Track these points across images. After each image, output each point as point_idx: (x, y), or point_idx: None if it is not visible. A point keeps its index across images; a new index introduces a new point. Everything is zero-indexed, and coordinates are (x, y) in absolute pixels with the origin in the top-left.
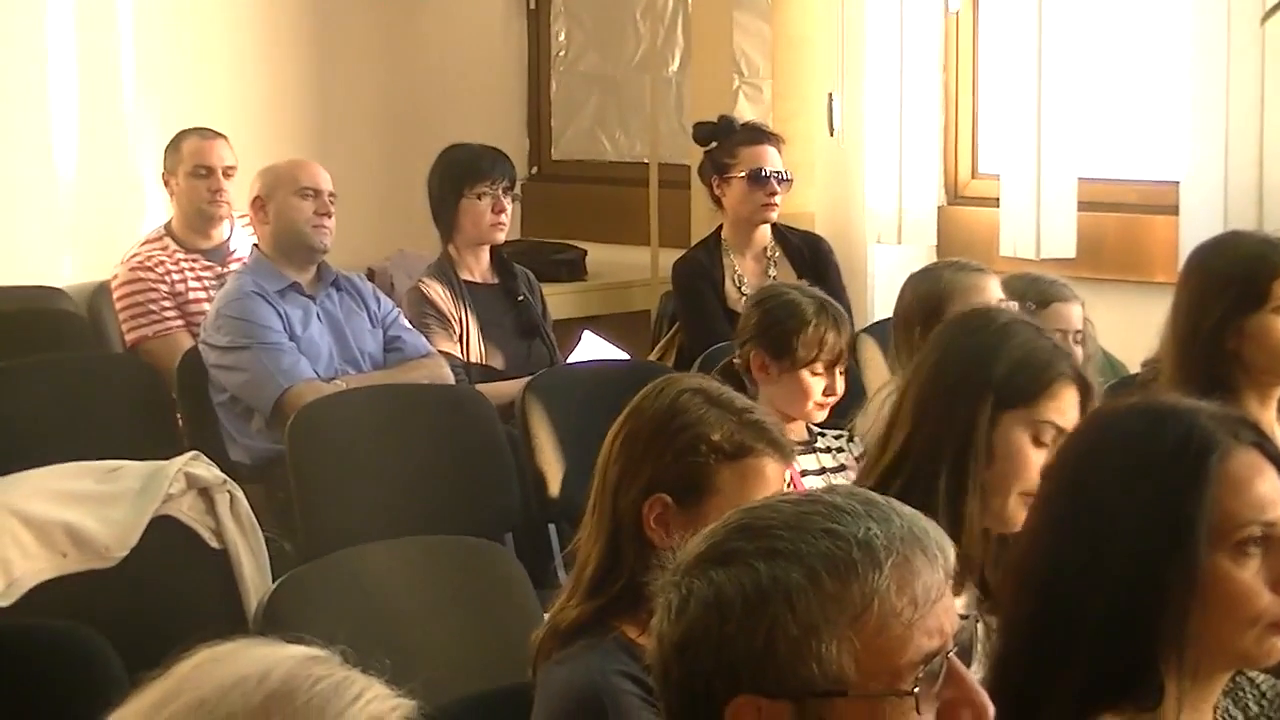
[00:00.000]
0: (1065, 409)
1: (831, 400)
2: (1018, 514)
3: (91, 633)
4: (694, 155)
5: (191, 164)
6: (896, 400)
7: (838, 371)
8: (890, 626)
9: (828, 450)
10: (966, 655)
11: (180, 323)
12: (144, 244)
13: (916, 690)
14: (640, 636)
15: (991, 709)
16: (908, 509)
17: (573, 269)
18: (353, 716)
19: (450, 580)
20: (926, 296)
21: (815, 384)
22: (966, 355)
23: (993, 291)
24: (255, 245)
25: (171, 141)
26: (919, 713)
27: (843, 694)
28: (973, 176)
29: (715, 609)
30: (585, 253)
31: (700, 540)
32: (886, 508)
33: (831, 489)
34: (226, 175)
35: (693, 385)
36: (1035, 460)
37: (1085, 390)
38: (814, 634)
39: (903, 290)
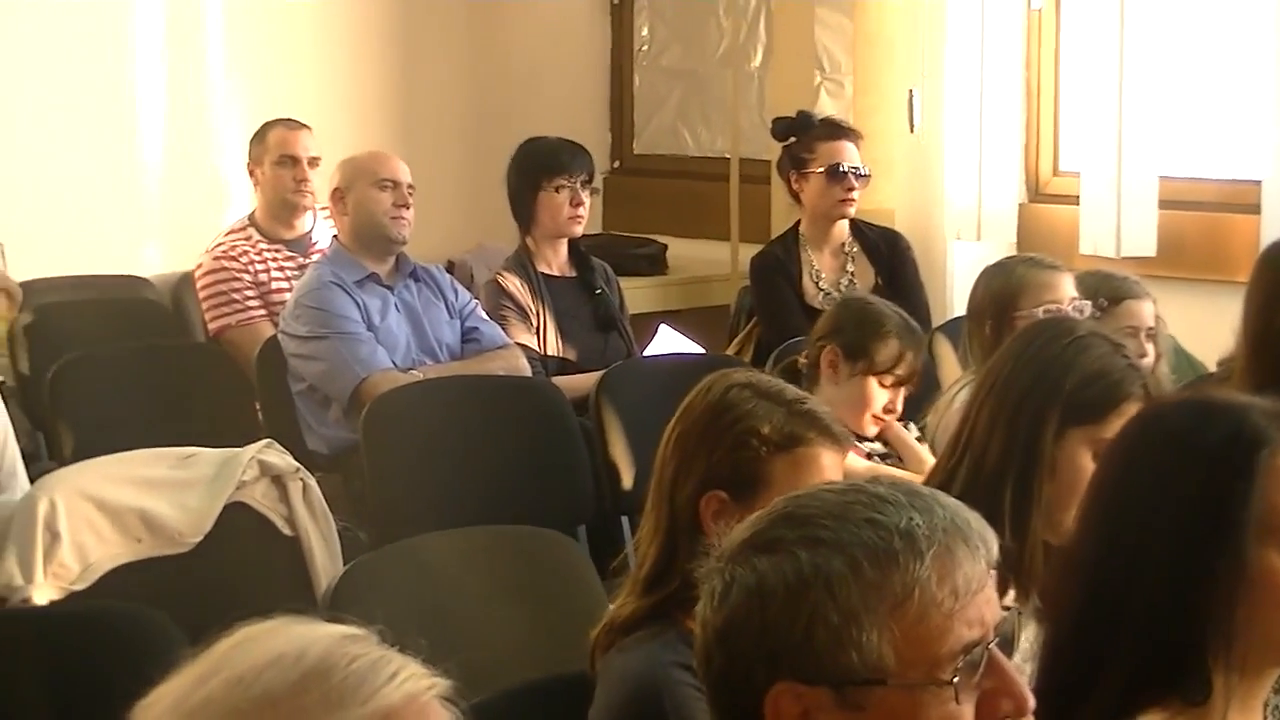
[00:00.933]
0: None
1: (888, 418)
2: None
3: (158, 615)
4: (774, 150)
5: (277, 154)
6: (968, 404)
7: (902, 391)
8: (931, 616)
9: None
10: (1008, 647)
11: (263, 312)
12: (228, 234)
13: (956, 680)
14: None
15: (1032, 701)
16: (951, 500)
17: (653, 263)
18: (388, 694)
19: (517, 570)
20: (999, 291)
21: (878, 396)
22: (1038, 367)
23: (1066, 289)
24: (334, 236)
25: (257, 132)
26: (958, 702)
27: (882, 682)
28: (1054, 174)
29: (757, 596)
30: (666, 247)
31: (744, 528)
32: (929, 498)
33: (875, 479)
34: (311, 165)
35: (741, 380)
36: None
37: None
38: (854, 622)
39: (976, 284)
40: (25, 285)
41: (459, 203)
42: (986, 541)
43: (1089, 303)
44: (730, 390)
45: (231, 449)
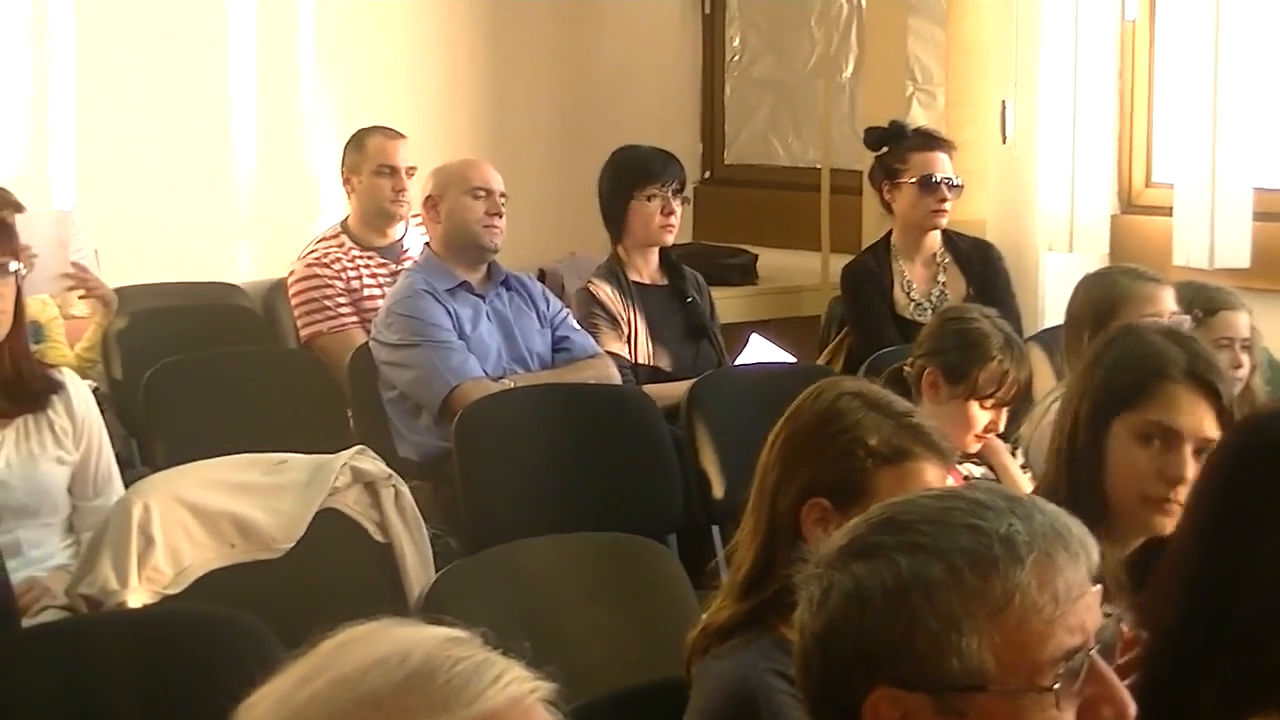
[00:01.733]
0: (1172, 408)
1: (990, 435)
2: (1150, 520)
3: (256, 620)
4: (866, 161)
5: (376, 163)
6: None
7: (1005, 411)
8: (1031, 622)
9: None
10: (1109, 654)
11: (355, 319)
12: (320, 241)
13: (1057, 687)
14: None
15: (1133, 708)
16: (1051, 506)
17: (744, 273)
18: (491, 697)
19: (610, 577)
20: (1099, 301)
21: (980, 418)
22: (1082, 372)
23: (1167, 302)
24: (426, 244)
25: (353, 139)
26: (1059, 709)
27: (982, 688)
28: (1146, 185)
29: (856, 601)
30: (756, 257)
31: (843, 534)
32: (1029, 504)
33: (973, 486)
34: (408, 175)
35: (851, 388)
36: (1149, 463)
37: (1206, 389)
38: (954, 627)
39: (1075, 292)
40: (118, 291)
41: (549, 211)
42: (1087, 548)
43: (1188, 316)
44: (840, 398)
45: (324, 455)
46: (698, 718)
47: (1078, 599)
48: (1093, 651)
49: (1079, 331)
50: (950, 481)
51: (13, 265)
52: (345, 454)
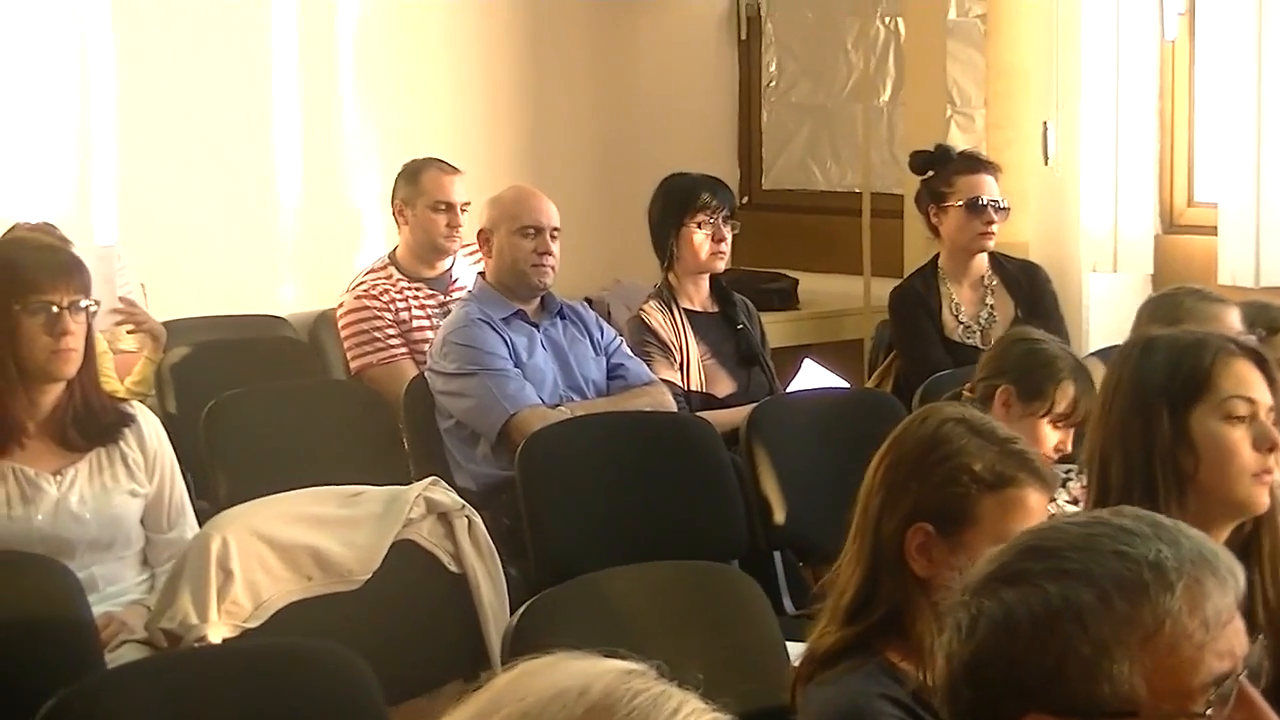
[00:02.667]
0: (1241, 379)
1: (1056, 456)
2: (1255, 494)
3: (351, 653)
4: (907, 184)
5: (432, 198)
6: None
7: (1072, 432)
8: (1181, 648)
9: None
10: (1256, 678)
11: (404, 350)
12: (369, 273)
13: (1208, 712)
14: (903, 661)
15: None
16: (1196, 532)
17: (784, 298)
18: None
19: (694, 604)
20: (1164, 322)
21: (1050, 437)
22: (1124, 384)
23: (1232, 322)
24: (480, 274)
25: (407, 171)
26: None
27: (1134, 714)
28: (1188, 204)
29: (1005, 628)
30: (797, 282)
31: (988, 562)
32: (1174, 530)
33: (1118, 511)
34: (462, 210)
35: (955, 415)
36: (1240, 437)
37: (1255, 357)
38: (1106, 654)
39: (1140, 313)
40: (165, 325)
41: (590, 240)
42: (1234, 573)
43: (1253, 337)
44: (944, 425)
45: (398, 487)
46: None
47: (1226, 624)
48: (1241, 677)
49: None
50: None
51: (83, 302)
52: (419, 485)
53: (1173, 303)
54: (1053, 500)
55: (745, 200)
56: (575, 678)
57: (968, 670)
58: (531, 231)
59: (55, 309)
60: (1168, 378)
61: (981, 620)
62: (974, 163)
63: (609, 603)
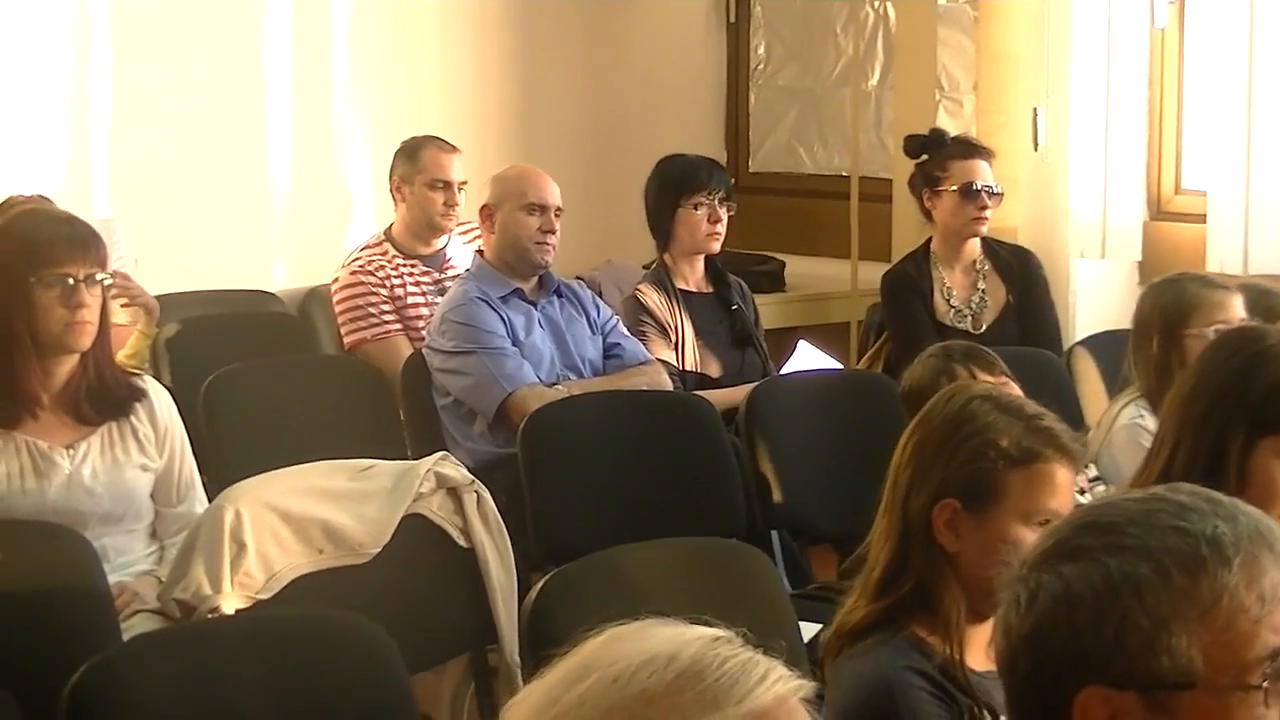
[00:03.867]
0: None
1: None
2: None
3: (374, 625)
4: (894, 169)
5: (430, 176)
6: (1160, 422)
7: None
8: (1238, 622)
9: None
10: None
11: (398, 326)
12: (364, 249)
13: (1265, 685)
14: (930, 635)
15: None
16: (1253, 509)
17: (772, 280)
18: (760, 696)
19: (709, 580)
20: (1167, 308)
21: None
22: (1223, 378)
23: (1237, 309)
24: (479, 251)
25: (405, 149)
26: (1266, 707)
27: (1191, 686)
28: (1176, 192)
29: (1065, 602)
30: (784, 264)
31: (1045, 537)
32: (1231, 506)
33: (1175, 488)
34: (459, 189)
35: (982, 392)
36: None
37: None
38: (1164, 627)
39: (1142, 299)
40: (157, 300)
41: (579, 220)
42: None
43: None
44: (971, 402)
45: (408, 461)
46: (835, 718)
47: None
48: None
49: (1147, 338)
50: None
51: (99, 275)
52: (429, 460)
53: (1176, 288)
54: None
55: (732, 182)
56: (664, 644)
57: (1027, 643)
58: (537, 209)
59: (71, 281)
60: (1266, 395)
61: (1041, 594)
62: (968, 148)
63: (624, 578)
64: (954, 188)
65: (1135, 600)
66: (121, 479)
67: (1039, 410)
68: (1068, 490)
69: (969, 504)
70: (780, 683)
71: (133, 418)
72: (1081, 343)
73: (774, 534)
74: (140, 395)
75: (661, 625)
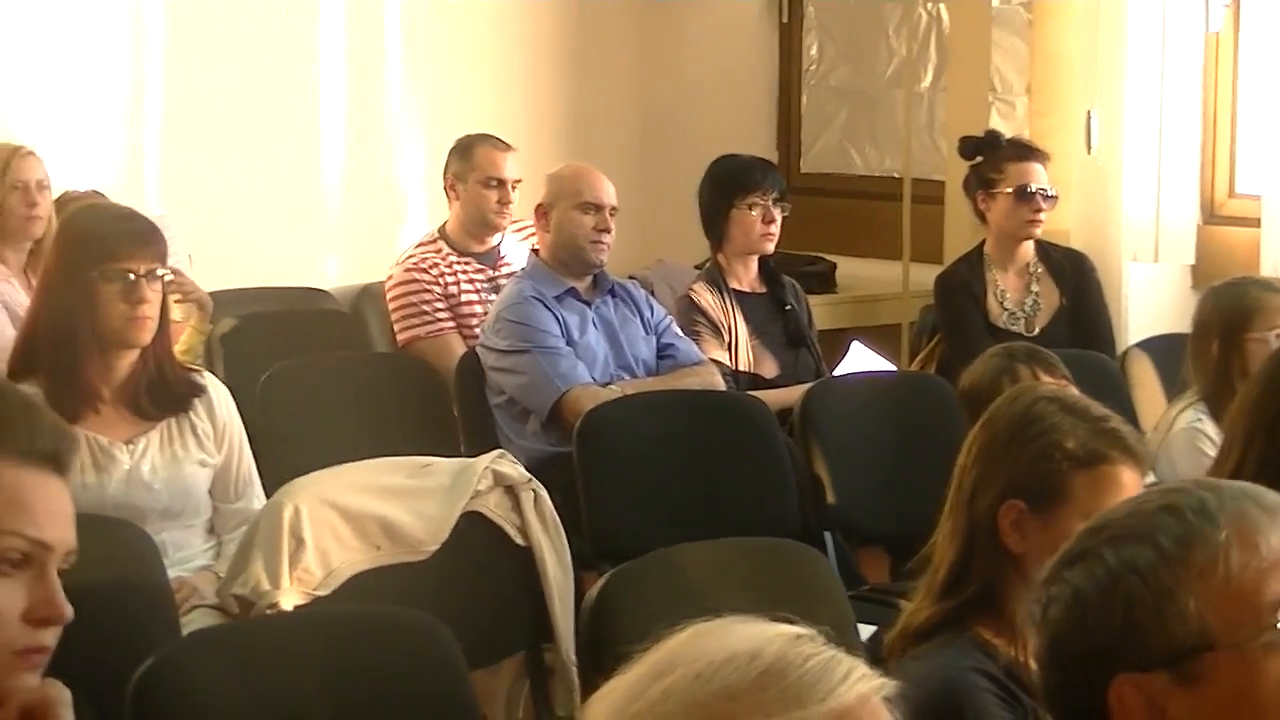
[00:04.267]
0: None
1: None
2: None
3: (435, 621)
4: (947, 170)
5: (484, 174)
6: (1227, 427)
7: None
8: (1242, 575)
9: None
10: None
11: (452, 324)
12: (418, 246)
13: None
14: (995, 637)
15: None
16: (1237, 483)
17: (823, 281)
18: (843, 694)
19: (768, 579)
20: (1228, 311)
21: None
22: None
23: None
24: (534, 250)
25: (460, 146)
26: None
27: (1211, 648)
28: (1230, 196)
29: (1074, 604)
30: (835, 265)
31: (1055, 555)
32: (1215, 481)
33: (1164, 484)
34: (513, 187)
35: (1048, 393)
36: None
37: None
38: (1168, 597)
39: (1202, 302)
40: (211, 296)
41: (631, 219)
42: None
43: None
44: (1037, 403)
45: (466, 459)
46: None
47: None
48: None
49: (1207, 341)
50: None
51: (159, 270)
52: (486, 458)
53: (1237, 292)
54: None
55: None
56: (747, 641)
57: (1049, 654)
58: (592, 208)
59: (132, 276)
60: None
61: (1051, 606)
62: (1024, 150)
63: (683, 578)
64: (1009, 190)
65: (1136, 579)
66: (180, 474)
67: (1105, 412)
68: (1134, 492)
69: (1034, 505)
70: (863, 681)
71: (192, 413)
72: (1137, 346)
73: (827, 535)
74: (199, 391)
75: (744, 622)
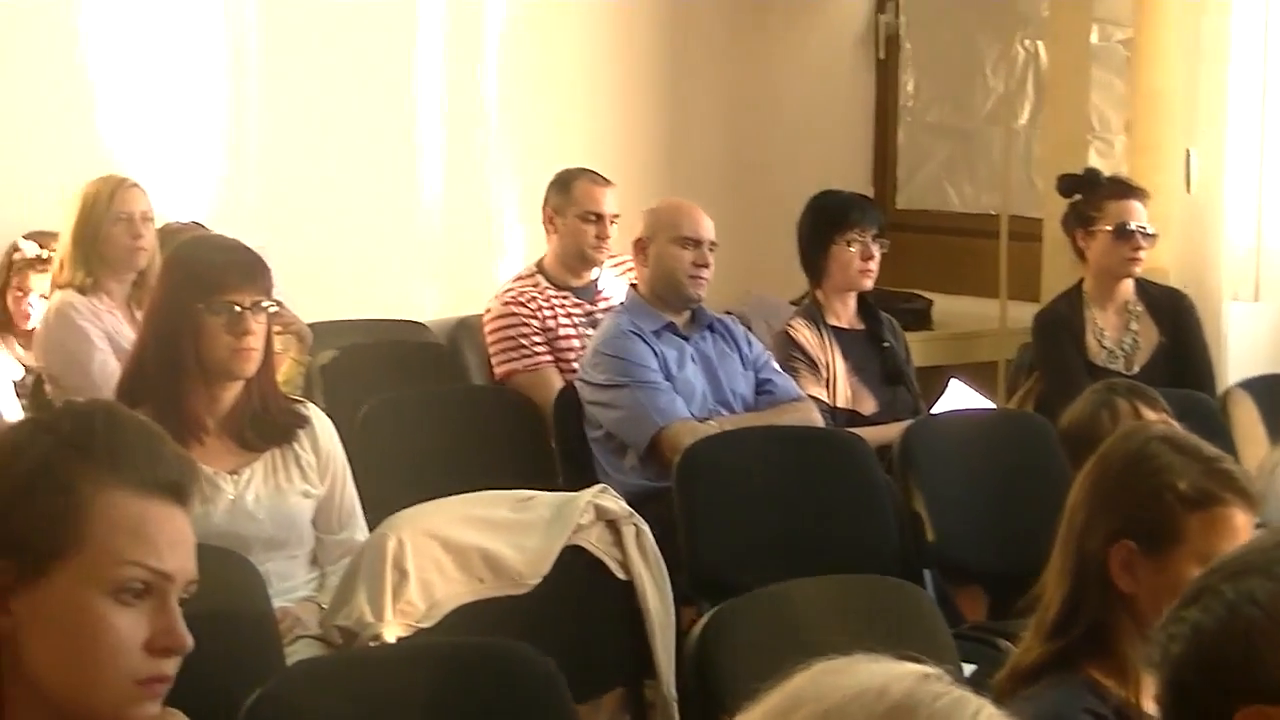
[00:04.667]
0: None
1: None
2: None
3: (541, 655)
4: (1045, 208)
5: (583, 208)
6: None
7: None
8: None
9: None
10: None
11: (549, 358)
12: (516, 280)
13: None
14: (1106, 678)
15: None
16: None
17: (919, 318)
18: None
19: (872, 617)
20: None
21: None
22: None
23: None
24: (633, 285)
25: (559, 180)
26: None
27: None
28: None
29: (1194, 641)
30: (932, 302)
31: (1173, 599)
32: None
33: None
34: (612, 222)
35: (1160, 433)
36: None
37: None
38: None
39: None
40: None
41: (725, 254)
42: None
43: None
44: (1150, 442)
45: (568, 493)
46: None
47: None
48: None
49: None
50: None
51: (265, 302)
52: (588, 492)
53: None
54: None
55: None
56: (875, 678)
57: (1170, 691)
58: (691, 243)
59: (238, 309)
60: None
61: (1173, 645)
62: (1123, 188)
63: (787, 614)
64: (1108, 228)
65: (1255, 609)
66: (284, 505)
67: (1217, 453)
68: (1247, 534)
69: (1146, 546)
70: None
71: (296, 444)
72: (1238, 385)
73: (926, 573)
74: (303, 422)
75: (870, 660)
